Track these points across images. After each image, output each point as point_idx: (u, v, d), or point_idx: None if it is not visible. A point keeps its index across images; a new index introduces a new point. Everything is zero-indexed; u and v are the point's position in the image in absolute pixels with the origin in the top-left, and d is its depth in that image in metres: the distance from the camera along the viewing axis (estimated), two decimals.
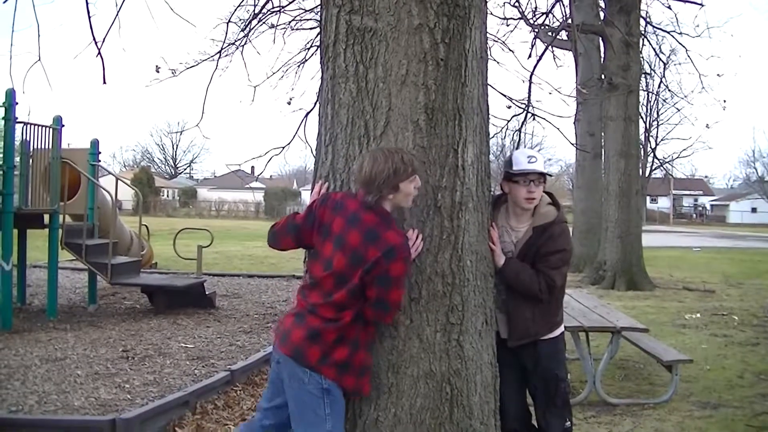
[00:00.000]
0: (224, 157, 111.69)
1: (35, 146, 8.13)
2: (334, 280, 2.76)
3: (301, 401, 2.79)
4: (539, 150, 30.66)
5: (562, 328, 3.59)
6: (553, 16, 12.32)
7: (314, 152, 3.34)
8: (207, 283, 9.72)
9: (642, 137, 37.48)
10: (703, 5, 13.96)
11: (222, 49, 8.93)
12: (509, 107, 7.37)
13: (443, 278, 2.99)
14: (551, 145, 67.52)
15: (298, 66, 11.52)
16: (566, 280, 3.57)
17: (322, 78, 3.19)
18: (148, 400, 4.93)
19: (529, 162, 3.39)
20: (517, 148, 6.51)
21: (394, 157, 2.72)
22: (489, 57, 3.52)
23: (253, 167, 36.40)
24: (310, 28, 11.27)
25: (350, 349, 2.77)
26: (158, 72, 9.61)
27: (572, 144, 12.17)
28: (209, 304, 9.17)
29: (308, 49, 11.27)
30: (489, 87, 3.33)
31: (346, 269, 2.73)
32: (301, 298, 2.91)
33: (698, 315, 9.96)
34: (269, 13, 9.78)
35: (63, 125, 8.46)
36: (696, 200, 69.76)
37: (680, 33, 17.55)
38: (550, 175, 3.45)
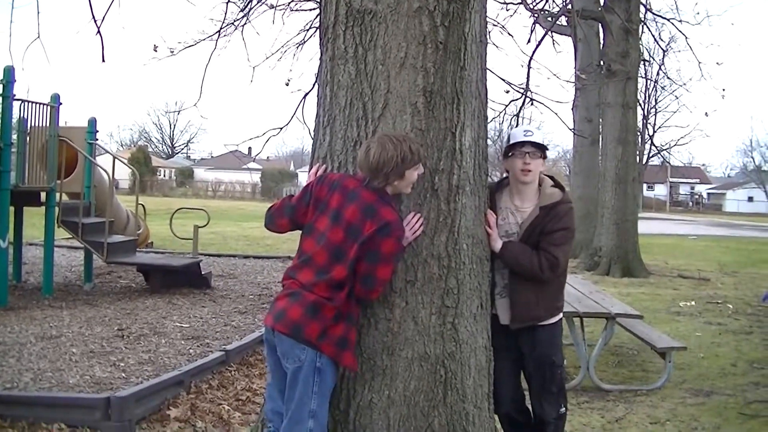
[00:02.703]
0: (222, 137, 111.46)
1: (32, 124, 8.10)
2: (328, 254, 2.78)
3: (294, 379, 2.79)
4: None
5: (561, 315, 3.60)
6: (553, 1, 12.24)
7: (312, 134, 3.35)
8: (203, 264, 9.72)
9: (640, 124, 37.41)
10: None
11: (221, 28, 8.88)
12: (508, 92, 7.36)
13: (439, 261, 3.01)
14: (549, 131, 67.57)
15: (297, 47, 11.45)
16: (568, 263, 3.57)
17: (321, 59, 3.19)
18: (143, 379, 4.95)
19: (525, 135, 3.41)
20: None
21: (403, 146, 2.75)
22: (488, 41, 3.51)
23: (250, 148, 36.24)
24: (310, 9, 11.20)
25: (346, 325, 2.79)
26: (156, 51, 9.57)
27: (570, 129, 12.24)
28: (205, 284, 9.19)
29: (307, 30, 11.21)
30: (488, 71, 3.33)
31: (342, 243, 2.76)
32: (290, 278, 2.89)
33: (693, 303, 10.02)
34: None
35: (61, 103, 8.42)
36: (693, 188, 69.82)
37: (680, 20, 17.54)
38: (547, 149, 3.45)
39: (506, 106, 7.79)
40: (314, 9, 10.62)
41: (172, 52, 9.80)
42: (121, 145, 72.18)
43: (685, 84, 35.16)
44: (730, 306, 9.84)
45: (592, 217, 15.05)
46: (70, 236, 9.18)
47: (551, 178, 3.55)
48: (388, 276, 2.80)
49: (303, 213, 2.94)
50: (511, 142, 3.41)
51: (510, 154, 3.42)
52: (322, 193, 2.88)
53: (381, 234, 2.70)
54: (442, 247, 3.01)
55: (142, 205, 11.91)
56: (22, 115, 7.91)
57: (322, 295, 2.76)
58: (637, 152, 22.98)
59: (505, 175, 3.56)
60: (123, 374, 5.11)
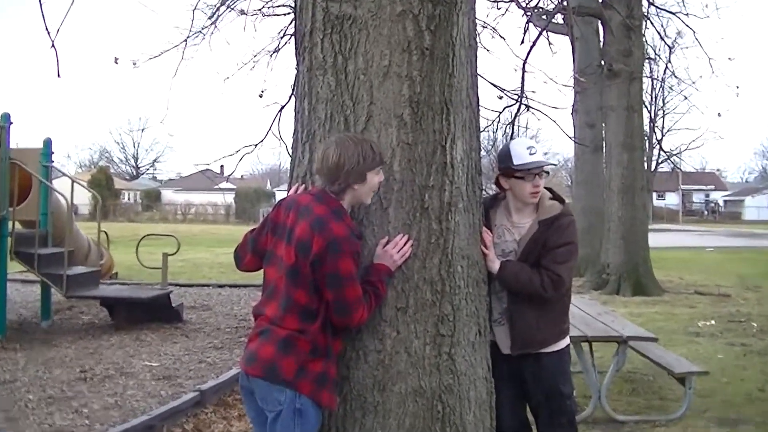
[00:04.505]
0: (191, 155, 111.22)
1: None
2: (287, 278, 2.78)
3: (273, 424, 2.78)
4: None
5: (567, 340, 3.62)
6: None
7: (290, 150, 3.37)
8: (173, 295, 9.69)
9: (647, 128, 37.67)
10: None
11: (188, 37, 8.93)
12: (501, 98, 7.42)
13: (432, 286, 3.01)
14: (547, 138, 67.76)
15: (271, 55, 11.53)
16: (572, 281, 3.61)
17: (297, 70, 3.21)
18: (109, 426, 4.92)
19: (530, 154, 3.42)
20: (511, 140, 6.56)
21: (363, 145, 2.78)
22: (478, 45, 3.55)
23: (222, 166, 36.25)
24: (284, 14, 11.29)
25: (324, 360, 2.78)
26: (117, 64, 9.59)
27: (570, 138, 12.29)
28: (176, 318, 9.15)
29: (282, 37, 11.28)
30: (479, 77, 3.37)
31: (295, 263, 2.76)
32: (259, 314, 2.90)
33: (712, 322, 10.04)
34: None
35: (11, 122, 8.39)
36: (707, 196, 70.40)
37: (687, 14, 17.61)
38: (555, 165, 3.50)
39: (500, 113, 7.88)
40: (289, 14, 10.70)
41: (134, 64, 9.84)
42: (80, 167, 72.11)
43: (694, 82, 35.50)
44: (755, 324, 9.85)
45: (597, 231, 15.11)
46: (25, 269, 9.10)
47: (550, 190, 3.58)
48: (359, 293, 2.78)
49: (265, 243, 2.96)
50: (516, 164, 3.41)
51: (516, 175, 3.43)
52: (279, 217, 2.90)
53: (332, 252, 2.69)
54: (435, 270, 3.02)
55: (105, 232, 11.86)
56: None
57: (293, 328, 2.75)
58: (645, 158, 23.18)
59: (495, 191, 3.60)
60: (86, 421, 5.07)
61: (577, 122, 16.06)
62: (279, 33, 11.46)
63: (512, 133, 7.71)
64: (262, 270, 2.97)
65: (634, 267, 13.56)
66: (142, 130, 69.12)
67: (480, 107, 3.35)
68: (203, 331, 8.63)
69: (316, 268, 2.71)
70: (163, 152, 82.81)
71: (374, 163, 2.80)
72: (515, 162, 3.43)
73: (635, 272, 13.51)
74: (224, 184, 47.55)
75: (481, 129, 3.37)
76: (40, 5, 3.83)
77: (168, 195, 64.00)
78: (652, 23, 17.68)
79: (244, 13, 10.44)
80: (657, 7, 16.46)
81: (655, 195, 55.55)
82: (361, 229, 2.95)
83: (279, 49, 11.40)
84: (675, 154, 46.94)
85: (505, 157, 3.49)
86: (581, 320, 6.06)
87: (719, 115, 45.48)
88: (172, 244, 10.73)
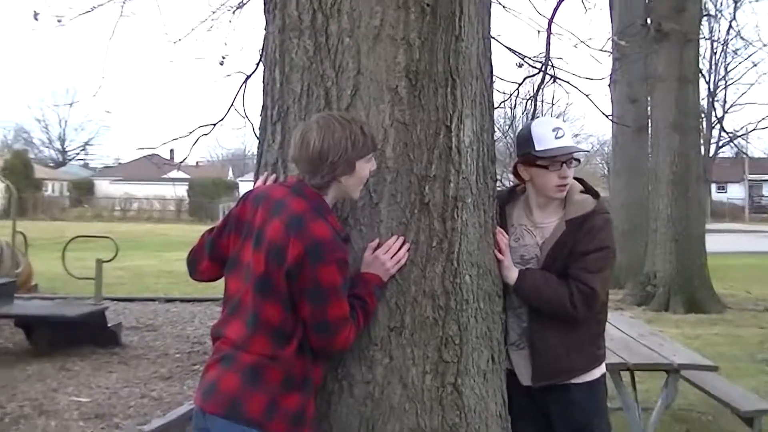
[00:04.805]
0: (133, 137, 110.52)
1: None
2: (254, 291, 2.74)
3: None
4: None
5: (603, 368, 3.63)
6: None
7: (257, 131, 3.36)
8: (109, 312, 9.66)
9: (704, 103, 37.67)
10: None
11: None
12: (521, 66, 7.42)
13: (433, 300, 3.00)
14: (578, 116, 67.64)
15: (233, 12, 11.48)
16: (608, 295, 3.61)
17: (266, 31, 3.19)
18: None
19: (556, 137, 3.41)
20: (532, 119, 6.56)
21: (352, 127, 2.74)
22: (493, 0, 3.53)
23: (172, 151, 36.18)
24: None
25: (302, 394, 2.75)
26: (37, 20, 9.50)
27: (606, 116, 12.17)
28: (112, 341, 9.12)
29: None
30: (493, 41, 3.37)
31: (266, 272, 2.72)
32: (217, 337, 2.87)
33: None
34: None
35: None
36: None
37: None
38: (587, 151, 3.51)
39: (519, 85, 7.86)
40: None
41: (59, 21, 9.77)
42: None
43: (766, 45, 35.29)
44: None
45: (641, 232, 15.11)
46: None
47: (580, 181, 3.59)
48: (346, 311, 2.75)
49: (226, 246, 2.93)
50: (539, 149, 3.41)
51: (538, 163, 3.44)
52: (245, 213, 2.87)
53: (313, 259, 2.65)
54: (438, 280, 3.00)
55: (22, 234, 11.83)
56: None
57: (262, 353, 2.71)
58: (702, 141, 23.14)
59: (513, 183, 3.64)
60: None
61: (616, 96, 16.05)
62: None
63: (534, 110, 7.71)
64: (222, 280, 2.95)
65: (687, 277, 13.56)
66: (71, 104, 68.99)
67: (494, 78, 3.35)
68: (147, 358, 8.61)
69: (291, 279, 2.68)
70: (98, 133, 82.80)
71: (365, 150, 2.77)
72: (538, 147, 3.42)
73: (689, 284, 13.52)
74: (175, 173, 47.52)
75: (496, 105, 3.39)
76: None
77: (103, 187, 63.78)
78: None
79: None
80: None
81: (714, 187, 55.57)
82: (346, 229, 2.90)
83: (243, 4, 11.38)
84: (740, 136, 46.83)
85: (525, 140, 3.49)
86: (621, 343, 6.02)
87: None
88: (108, 248, 10.72)
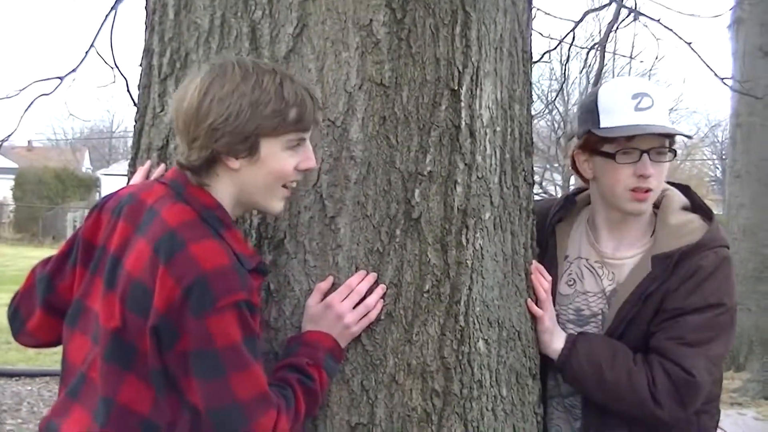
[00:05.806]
0: None
1: None
2: (105, 360, 1.98)
3: None
4: None
5: None
6: None
7: (134, 94, 2.82)
8: None
9: None
10: None
11: None
12: None
13: (425, 381, 2.24)
14: (672, 81, 57.31)
15: None
16: (721, 382, 2.68)
17: None
18: None
19: (637, 108, 2.43)
20: (595, 83, 5.28)
21: (267, 79, 1.94)
22: None
23: None
24: None
25: None
26: None
27: (721, 80, 8.78)
28: None
29: None
30: None
31: (124, 328, 1.95)
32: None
33: None
34: None
35: None
36: None
37: None
38: (690, 137, 2.46)
39: (576, 24, 6.27)
40: None
41: None
42: None
43: None
44: None
45: None
46: None
47: (684, 190, 2.63)
48: (262, 385, 1.93)
49: (70, 287, 2.15)
50: (605, 126, 2.49)
51: (604, 149, 2.51)
52: (98, 231, 2.09)
53: (195, 305, 1.85)
54: (434, 347, 2.24)
55: None
56: None
57: None
58: None
59: (575, 184, 2.70)
60: None
61: (740, 47, 12.96)
62: None
63: (601, 68, 6.21)
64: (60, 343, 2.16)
65: None
66: None
67: (532, 13, 2.59)
68: None
69: (164, 339, 1.89)
70: None
71: (282, 120, 1.95)
72: (603, 123, 2.46)
73: None
74: None
75: (536, 58, 2.49)
76: None
77: None
78: None
79: None
80: None
81: None
82: (272, 256, 2.20)
83: None
84: None
85: (588, 113, 2.54)
86: None
87: None
88: None
